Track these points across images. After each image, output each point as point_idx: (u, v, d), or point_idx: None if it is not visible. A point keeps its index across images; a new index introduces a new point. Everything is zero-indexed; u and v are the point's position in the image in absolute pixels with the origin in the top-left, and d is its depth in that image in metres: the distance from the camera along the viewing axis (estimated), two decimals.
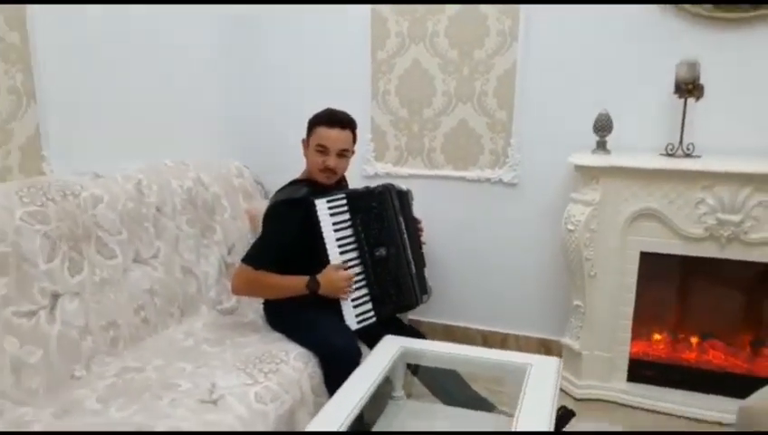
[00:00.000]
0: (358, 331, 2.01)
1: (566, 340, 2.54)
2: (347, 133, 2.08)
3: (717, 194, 2.19)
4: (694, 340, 2.49)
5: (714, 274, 2.42)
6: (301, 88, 2.95)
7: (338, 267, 1.99)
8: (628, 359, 2.43)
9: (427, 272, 2.23)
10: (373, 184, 2.16)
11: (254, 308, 2.30)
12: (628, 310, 2.40)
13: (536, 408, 1.56)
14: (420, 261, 2.20)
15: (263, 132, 3.06)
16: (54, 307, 1.73)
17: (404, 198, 2.18)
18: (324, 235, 1.99)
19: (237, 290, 2.09)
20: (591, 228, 2.35)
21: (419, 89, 2.79)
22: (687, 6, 2.33)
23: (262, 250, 2.02)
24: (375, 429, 1.83)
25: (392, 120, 2.86)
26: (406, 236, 2.12)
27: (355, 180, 2.54)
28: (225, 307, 2.32)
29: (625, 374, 2.44)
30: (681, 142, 2.30)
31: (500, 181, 2.75)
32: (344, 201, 2.05)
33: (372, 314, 2.06)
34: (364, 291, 2.06)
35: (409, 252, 2.11)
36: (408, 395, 2.08)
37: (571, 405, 2.26)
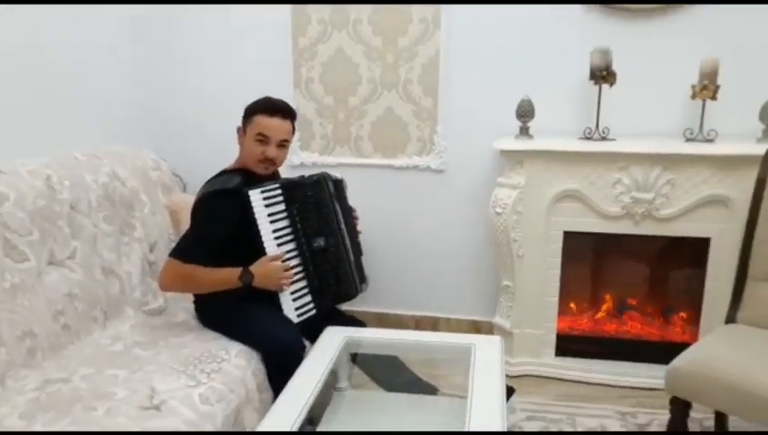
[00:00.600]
0: (298, 324, 1.96)
1: (497, 320, 2.61)
2: (288, 123, 2.01)
3: (632, 174, 2.33)
4: (612, 312, 2.65)
5: (629, 249, 2.60)
6: (219, 75, 2.82)
7: (272, 258, 1.93)
8: (556, 335, 2.55)
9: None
10: (299, 174, 2.11)
11: (183, 307, 2.18)
12: (554, 288, 2.51)
13: (487, 386, 1.60)
14: (357, 250, 2.17)
15: (176, 122, 2.90)
16: None
17: (339, 185, 2.14)
18: (260, 227, 1.92)
19: (165, 286, 1.96)
20: (518, 211, 2.43)
21: (344, 77, 2.75)
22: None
23: (191, 243, 1.92)
24: (322, 423, 1.79)
25: (317, 108, 2.81)
26: (343, 225, 2.08)
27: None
28: (153, 308, 2.19)
29: (553, 350, 2.56)
30: (597, 126, 2.42)
31: (428, 168, 2.77)
32: (279, 191, 1.98)
33: (312, 306, 2.01)
34: (303, 283, 2.01)
35: (348, 241, 2.08)
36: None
37: (506, 382, 2.33)
